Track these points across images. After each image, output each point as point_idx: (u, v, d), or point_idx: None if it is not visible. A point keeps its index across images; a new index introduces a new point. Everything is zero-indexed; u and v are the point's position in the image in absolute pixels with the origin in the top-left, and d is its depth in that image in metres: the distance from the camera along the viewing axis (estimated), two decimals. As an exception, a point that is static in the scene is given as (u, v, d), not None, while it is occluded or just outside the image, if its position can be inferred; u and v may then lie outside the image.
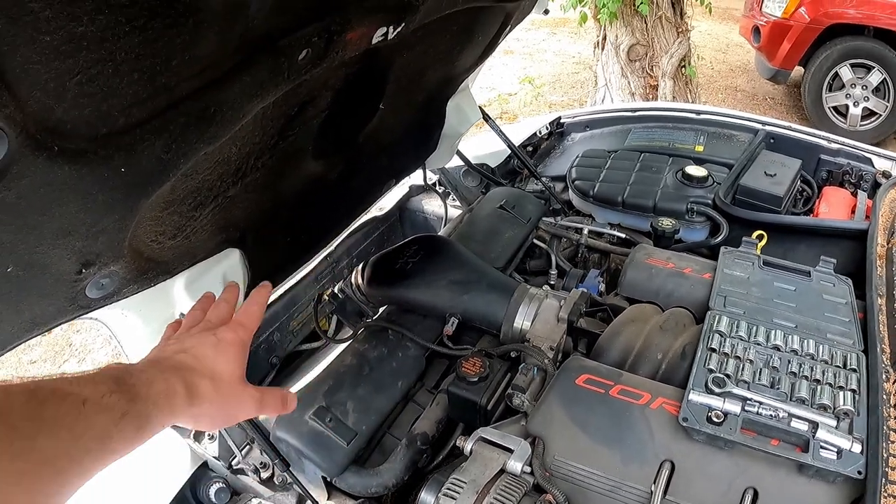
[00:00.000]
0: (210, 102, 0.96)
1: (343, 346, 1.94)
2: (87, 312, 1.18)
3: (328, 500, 1.64)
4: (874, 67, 6.50)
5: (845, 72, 6.64)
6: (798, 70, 7.09)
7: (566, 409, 1.49)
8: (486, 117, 2.41)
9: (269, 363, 2.03)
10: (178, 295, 1.41)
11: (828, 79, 6.72)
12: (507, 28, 1.96)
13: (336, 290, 2.10)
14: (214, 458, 1.69)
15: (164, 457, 1.71)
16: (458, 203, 2.69)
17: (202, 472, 1.70)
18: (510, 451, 1.42)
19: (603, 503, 1.39)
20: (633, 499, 1.36)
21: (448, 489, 1.35)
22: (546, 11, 2.15)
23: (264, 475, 1.67)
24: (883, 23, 6.32)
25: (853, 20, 6.48)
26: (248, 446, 1.66)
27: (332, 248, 2.27)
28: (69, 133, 0.80)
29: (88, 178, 0.87)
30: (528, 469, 1.40)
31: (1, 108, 0.69)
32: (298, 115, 1.33)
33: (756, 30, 7.07)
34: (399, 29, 1.28)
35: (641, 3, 5.46)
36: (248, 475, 1.68)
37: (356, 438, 1.62)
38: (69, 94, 0.75)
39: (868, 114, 6.69)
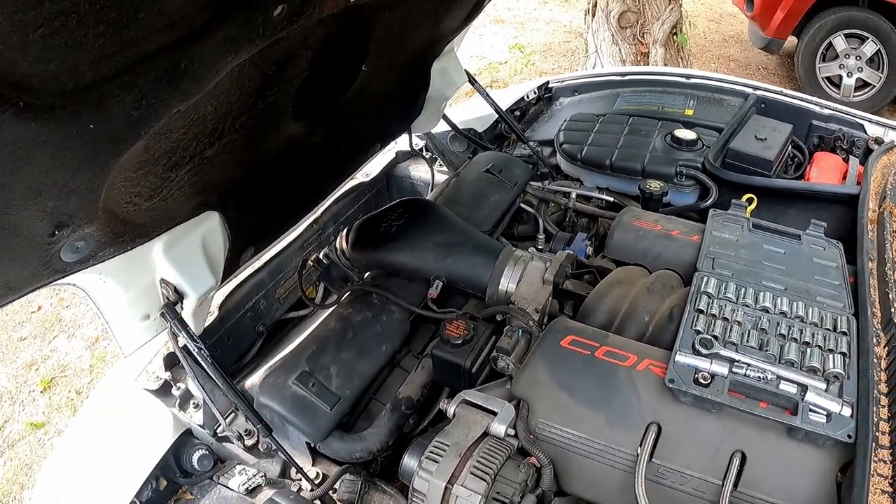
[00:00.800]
0: (181, 58, 0.94)
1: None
2: (62, 277, 1.17)
3: (313, 466, 1.64)
4: (868, 38, 6.46)
5: (839, 42, 6.60)
6: (791, 40, 7.05)
7: (551, 372, 1.49)
8: (473, 80, 2.39)
9: (256, 331, 2.02)
10: (157, 259, 1.39)
11: (821, 49, 6.68)
12: None
13: (321, 255, 2.09)
14: (199, 426, 1.69)
15: (147, 424, 1.71)
16: (445, 168, 2.67)
17: (185, 439, 1.70)
18: (494, 413, 1.42)
19: (588, 466, 1.39)
20: (618, 462, 1.37)
21: (431, 452, 1.36)
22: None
23: (249, 442, 1.67)
24: None
25: (850, -10, 6.44)
26: (232, 414, 1.66)
27: (319, 214, 2.25)
28: (35, 88, 0.78)
29: (57, 135, 0.86)
30: (511, 432, 1.40)
31: None
32: (277, 74, 1.31)
33: (749, -1, 7.03)
34: None
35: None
36: (232, 442, 1.68)
37: (339, 403, 1.62)
38: (33, 48, 0.74)
39: (862, 84, 6.66)
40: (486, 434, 1.40)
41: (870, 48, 6.46)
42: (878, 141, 2.67)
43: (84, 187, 1.00)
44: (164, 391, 1.73)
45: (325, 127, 1.72)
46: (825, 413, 1.32)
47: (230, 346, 1.92)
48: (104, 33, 0.79)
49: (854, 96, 6.63)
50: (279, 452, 1.58)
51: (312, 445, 1.62)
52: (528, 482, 1.34)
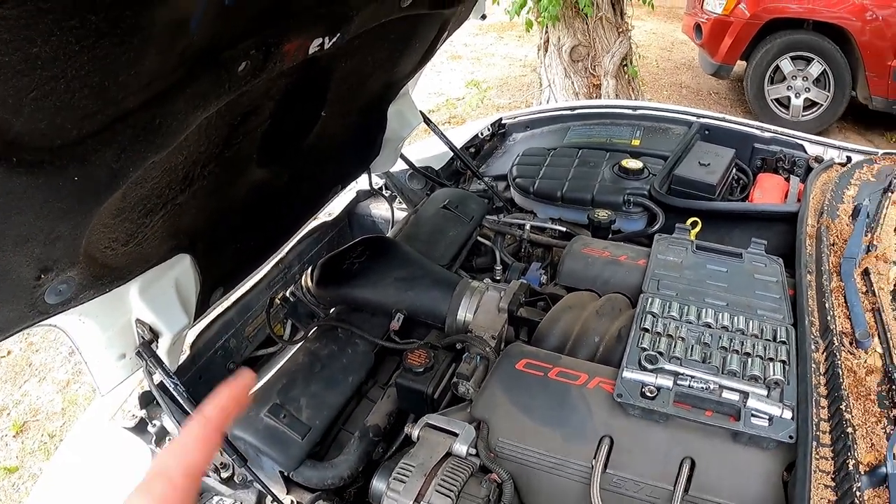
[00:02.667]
0: (156, 114, 1.04)
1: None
2: (46, 318, 1.24)
3: (287, 494, 1.71)
4: (814, 59, 6.78)
5: (786, 64, 6.91)
6: (740, 64, 7.35)
7: (508, 393, 1.60)
8: (428, 121, 2.52)
9: (227, 369, 2.10)
10: (133, 300, 1.48)
11: (769, 72, 6.99)
12: (445, 34, 2.07)
13: (287, 293, 2.19)
14: None
15: (125, 462, 1.78)
16: (404, 206, 2.78)
17: None
18: (456, 434, 1.53)
19: (546, 480, 1.50)
20: (574, 475, 1.47)
21: (398, 474, 1.45)
22: (483, 17, 2.26)
23: (224, 475, 1.73)
24: (821, 16, 6.61)
25: (792, 14, 6.75)
26: None
27: (284, 253, 2.34)
28: (26, 145, 0.86)
29: (45, 187, 0.94)
30: (473, 451, 1.50)
31: None
32: (242, 124, 1.42)
33: (698, 27, 7.34)
34: (334, 40, 1.38)
35: (585, 5, 5.64)
36: (209, 475, 1.74)
37: (310, 433, 1.70)
38: (26, 110, 0.82)
39: (810, 104, 6.98)
40: (448, 454, 1.50)
41: (816, 69, 6.78)
42: (818, 159, 2.85)
43: (68, 234, 1.08)
44: (140, 429, 1.80)
45: (289, 171, 1.82)
46: (767, 417, 1.44)
47: (202, 384, 1.98)
48: (88, 95, 0.88)
49: (803, 116, 6.94)
50: (254, 483, 1.66)
51: (286, 474, 1.69)
52: (491, 497, 1.43)
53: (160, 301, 1.52)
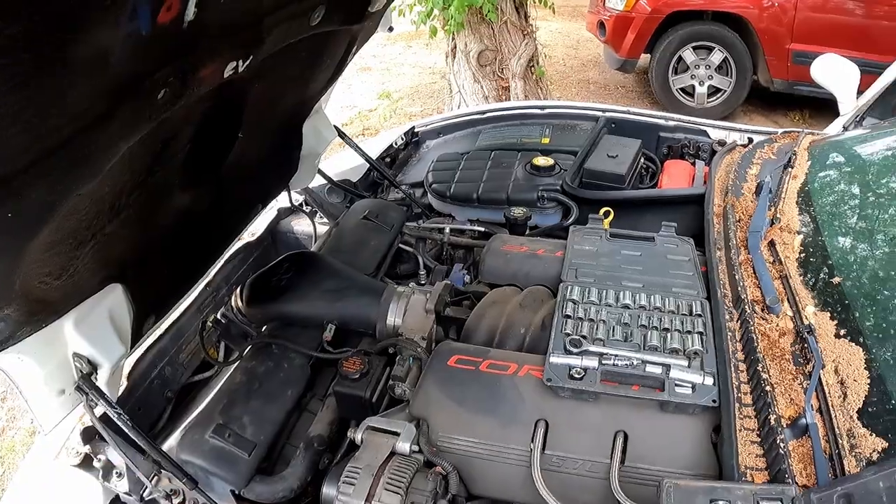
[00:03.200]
0: (84, 146, 1.08)
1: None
2: None
3: None
4: (715, 48, 7.14)
5: (688, 55, 7.24)
6: (644, 58, 7.66)
7: (443, 389, 1.70)
8: (342, 135, 2.60)
9: (165, 397, 2.11)
10: (68, 335, 1.50)
11: (673, 63, 7.30)
12: (354, 49, 2.15)
13: (218, 315, 2.23)
14: (125, 493, 1.77)
15: (76, 498, 1.80)
16: (325, 220, 2.85)
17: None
18: (397, 434, 1.61)
19: (489, 468, 1.59)
20: (515, 459, 1.57)
21: (346, 477, 1.53)
22: (391, 29, 2.34)
23: (176, 501, 1.73)
24: (720, 6, 6.99)
25: (692, 6, 7.10)
26: (155, 476, 1.72)
27: (211, 276, 2.37)
28: None
29: None
30: (416, 448, 1.59)
31: None
32: (163, 150, 1.46)
33: (601, 24, 7.62)
34: (248, 62, 1.44)
35: (489, 11, 5.80)
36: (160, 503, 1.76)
37: (256, 448, 1.75)
38: None
39: (714, 91, 7.32)
40: (393, 453, 1.59)
41: (717, 57, 7.14)
42: (721, 143, 3.05)
43: (4, 271, 1.11)
44: (86, 465, 1.80)
45: (211, 194, 1.87)
46: (690, 385, 1.57)
47: (141, 415, 2.00)
48: (20, 132, 0.92)
49: (708, 103, 7.28)
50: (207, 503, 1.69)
51: (237, 492, 1.73)
52: (438, 489, 1.53)
53: (96, 332, 1.54)
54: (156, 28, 1.09)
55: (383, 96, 8.32)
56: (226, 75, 1.41)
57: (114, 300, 1.59)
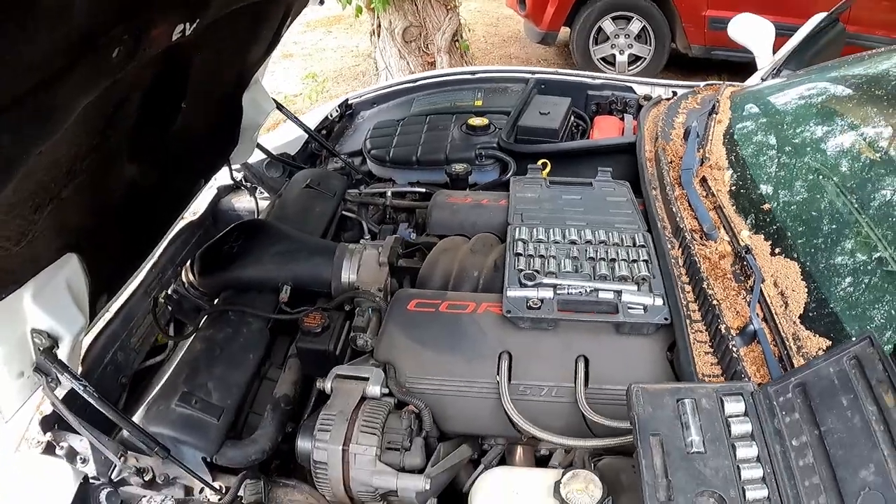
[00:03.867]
0: (45, 100, 1.09)
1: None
2: None
3: (213, 481, 1.74)
4: (633, 17, 7.33)
5: (608, 25, 7.42)
6: (564, 31, 7.79)
7: (405, 332, 1.75)
8: (280, 106, 2.61)
9: (119, 383, 2.09)
10: (27, 308, 1.48)
11: (593, 33, 7.47)
12: (289, 20, 2.17)
13: (170, 291, 2.24)
14: (93, 477, 1.75)
15: (45, 479, 1.76)
16: (266, 195, 2.85)
17: (87, 485, 1.76)
18: (366, 379, 1.66)
19: (460, 404, 1.66)
20: (482, 392, 1.63)
21: (321, 425, 1.57)
22: (321, 2, 2.36)
23: (147, 477, 1.73)
24: None
25: (609, -22, 7.25)
26: (122, 456, 1.70)
27: (156, 258, 2.35)
28: None
29: None
30: (385, 391, 1.64)
31: None
32: (114, 114, 1.47)
33: (521, -1, 7.72)
34: (195, 25, 1.46)
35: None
36: (130, 483, 1.74)
37: (224, 413, 1.76)
38: None
39: (634, 59, 7.53)
40: (364, 398, 1.63)
41: (636, 26, 7.35)
42: (647, 97, 3.17)
43: None
44: (49, 453, 1.78)
45: (156, 168, 1.87)
46: (642, 307, 1.66)
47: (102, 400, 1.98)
48: None
49: (629, 71, 7.49)
50: (177, 479, 1.70)
51: (209, 459, 1.73)
52: (412, 427, 1.58)
53: (55, 304, 1.52)
54: None
55: (309, 77, 8.28)
56: (174, 38, 1.42)
57: (70, 270, 1.58)
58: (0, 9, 0.87)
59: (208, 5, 1.49)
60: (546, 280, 1.73)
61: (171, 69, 1.64)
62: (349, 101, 3.44)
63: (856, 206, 1.70)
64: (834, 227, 1.70)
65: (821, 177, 1.90)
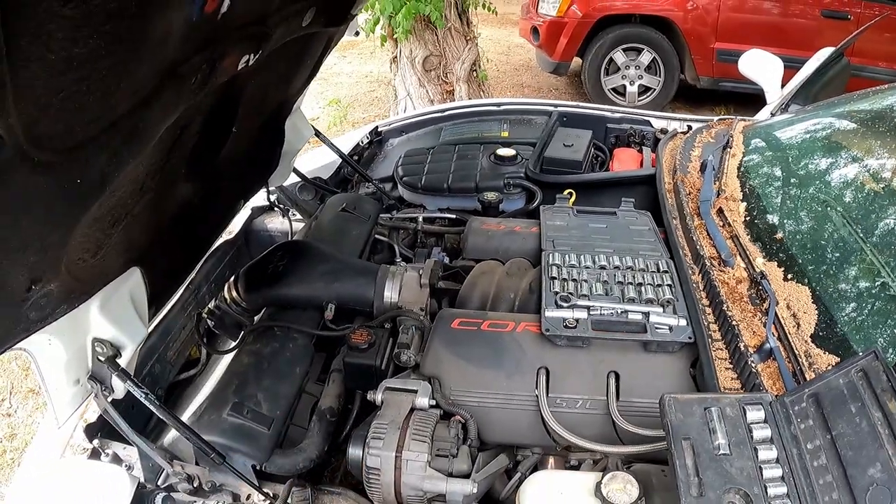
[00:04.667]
0: (138, 121, 1.18)
1: (227, 357, 2.17)
2: (27, 335, 1.28)
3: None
4: (643, 49, 7.52)
5: (619, 56, 7.62)
6: (576, 61, 7.98)
7: (450, 349, 1.87)
8: (318, 133, 2.75)
9: (156, 395, 2.15)
10: (92, 318, 1.53)
11: (604, 64, 7.66)
12: (329, 51, 2.30)
13: (212, 307, 2.34)
14: (141, 484, 1.80)
15: (100, 484, 1.81)
16: (299, 217, 2.97)
17: (141, 490, 1.80)
18: (415, 391, 1.77)
19: (500, 416, 1.78)
20: (522, 405, 1.76)
21: (374, 433, 1.68)
22: (357, 33, 2.51)
23: (195, 484, 1.78)
24: (647, 10, 7.41)
25: (621, 10, 7.49)
26: (172, 462, 1.76)
27: (193, 275, 2.43)
28: (45, 146, 0.94)
29: (52, 188, 1.02)
30: (433, 402, 1.76)
31: (5, 116, 0.81)
32: (180, 137, 1.57)
33: (535, 30, 7.93)
34: (257, 56, 1.57)
35: (436, 18, 6.01)
36: (177, 490, 1.80)
37: (274, 423, 1.83)
38: (52, 110, 0.91)
39: (644, 90, 7.70)
40: (413, 409, 1.74)
41: (646, 57, 7.52)
42: (664, 131, 3.32)
43: (57, 241, 1.16)
44: (95, 458, 1.84)
45: (205, 187, 1.96)
46: (667, 327, 1.79)
47: (134, 413, 1.99)
48: (99, 99, 0.99)
49: (639, 101, 7.67)
50: (224, 483, 1.76)
51: (258, 467, 1.80)
52: (459, 436, 1.70)
53: (119, 315, 1.57)
54: (201, 16, 1.21)
55: (333, 103, 8.47)
56: (239, 67, 1.52)
57: (134, 283, 1.64)
58: (116, 38, 0.94)
59: (270, 37, 1.59)
60: (580, 302, 1.86)
61: (227, 96, 1.74)
62: (379, 129, 3.58)
63: (860, 234, 1.84)
64: (840, 254, 1.84)
65: (828, 208, 2.03)
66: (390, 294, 2.14)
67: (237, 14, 1.38)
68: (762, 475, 1.26)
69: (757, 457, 1.29)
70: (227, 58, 1.44)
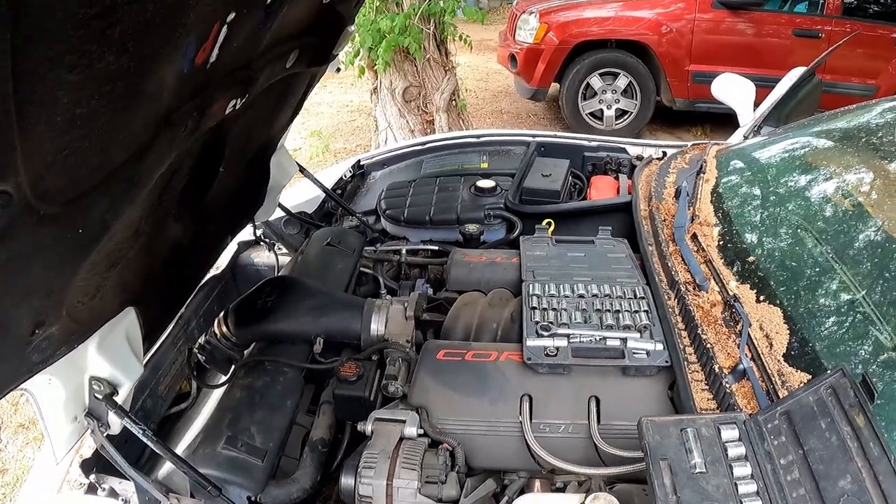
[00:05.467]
0: (135, 169, 1.24)
1: (217, 390, 2.23)
2: (29, 377, 1.33)
3: None
4: (619, 73, 7.67)
5: (595, 81, 7.78)
6: (554, 86, 8.12)
7: (436, 379, 1.94)
8: (302, 169, 2.82)
9: (149, 429, 2.21)
10: (91, 358, 1.58)
11: (581, 89, 7.80)
12: (311, 88, 2.38)
13: (203, 342, 2.38)
14: None
15: None
16: (284, 251, 3.03)
17: None
18: (403, 421, 1.84)
19: (486, 442, 1.84)
20: (507, 431, 1.83)
21: (365, 462, 1.74)
22: (338, 69, 2.58)
23: None
24: (622, 35, 7.60)
25: (596, 36, 7.67)
26: (168, 496, 1.78)
27: (182, 310, 2.45)
28: (50, 199, 0.99)
29: (56, 238, 1.07)
30: (421, 431, 1.82)
31: (14, 175, 0.85)
32: (170, 180, 1.62)
33: (512, 57, 8.08)
34: (244, 100, 1.64)
35: (415, 50, 6.13)
36: None
37: (268, 455, 1.88)
38: (56, 166, 0.95)
39: (621, 113, 7.86)
40: (402, 438, 1.81)
41: (622, 81, 7.69)
42: (639, 158, 3.42)
43: (60, 287, 1.21)
44: (91, 493, 1.87)
45: (193, 226, 2.00)
46: (645, 351, 1.87)
47: (127, 447, 1.99)
48: (99, 152, 1.05)
49: (616, 125, 7.83)
50: None
51: (254, 499, 1.84)
52: (447, 463, 1.76)
53: (116, 354, 1.62)
54: (192, 67, 1.28)
55: (314, 134, 8.56)
56: (227, 112, 1.59)
57: (129, 322, 1.69)
58: (115, 96, 1.00)
59: (256, 81, 1.66)
60: (560, 330, 1.94)
61: (214, 138, 1.80)
62: (361, 162, 3.66)
63: (832, 254, 1.92)
64: (811, 275, 1.92)
65: (799, 229, 2.12)
66: (377, 327, 2.20)
67: (224, 63, 1.44)
68: (738, 491, 1.33)
69: (732, 474, 1.36)
70: (215, 104, 1.50)
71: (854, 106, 3.02)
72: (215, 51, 1.34)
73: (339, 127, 8.96)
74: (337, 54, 2.21)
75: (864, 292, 1.73)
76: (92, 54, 0.89)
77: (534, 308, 2.06)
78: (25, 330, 1.18)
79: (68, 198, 1.04)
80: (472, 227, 2.83)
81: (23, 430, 4.11)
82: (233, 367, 2.28)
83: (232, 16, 1.32)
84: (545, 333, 1.93)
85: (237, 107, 1.63)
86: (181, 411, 2.41)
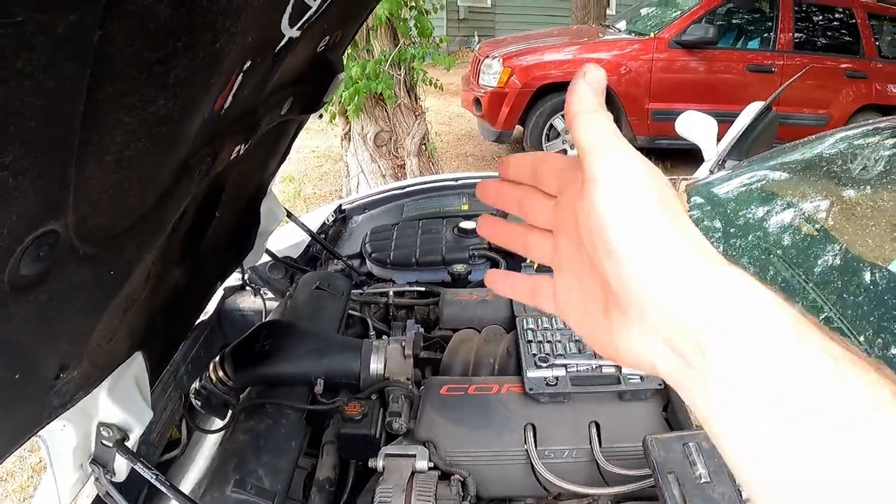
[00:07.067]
0: (159, 213, 1.28)
1: (210, 436, 2.28)
2: (49, 422, 1.34)
3: None
4: (582, 113, 7.84)
5: (559, 122, 7.99)
6: (518, 129, 8.31)
7: (441, 413, 2.02)
8: (290, 214, 2.89)
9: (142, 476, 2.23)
10: (101, 403, 1.61)
11: (545, 130, 7.99)
12: (298, 133, 2.45)
13: (198, 387, 2.41)
14: None
15: None
16: (271, 295, 3.09)
17: None
18: (413, 455, 1.91)
19: (494, 472, 1.93)
20: (513, 460, 1.92)
21: (381, 498, 1.78)
22: (321, 116, 2.68)
23: None
24: None
25: (558, 79, 7.88)
26: None
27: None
28: (89, 239, 1.01)
29: (91, 280, 1.09)
30: (431, 464, 1.89)
31: (63, 215, 0.86)
32: (177, 224, 1.62)
33: (477, 100, 8.29)
34: (247, 146, 1.70)
35: (388, 96, 6.25)
36: None
37: (277, 497, 1.91)
38: (101, 206, 0.99)
39: (584, 154, 8.03)
40: (414, 472, 1.87)
41: (585, 121, 7.82)
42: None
43: (86, 329, 1.24)
44: None
45: (190, 271, 2.03)
46: (639, 377, 1.97)
47: (124, 495, 1.94)
48: (137, 195, 1.09)
49: (579, 164, 7.96)
50: None
51: None
52: (460, 493, 1.83)
53: (127, 399, 1.65)
54: (212, 113, 1.32)
55: (287, 179, 8.64)
56: (232, 157, 1.64)
57: (137, 367, 1.72)
58: (160, 140, 1.05)
59: (258, 127, 1.73)
60: (557, 361, 2.05)
61: (215, 183, 1.83)
62: (343, 207, 3.74)
63: (802, 275, 2.05)
64: (784, 294, 2.02)
65: (769, 254, 2.25)
66: (376, 366, 2.25)
67: (235, 110, 1.49)
68: (741, 497, 1.42)
69: (735, 481, 1.46)
70: (224, 149, 1.56)
71: (813, 136, 3.19)
72: (230, 98, 1.39)
73: (307, 173, 9.03)
74: (327, 101, 2.30)
75: (835, 308, 1.86)
76: (147, 98, 0.93)
77: (530, 341, 2.16)
78: (51, 373, 1.20)
79: (104, 238, 1.07)
80: (459, 268, 2.93)
81: (1, 483, 4.06)
82: (230, 411, 2.31)
83: (248, 63, 1.38)
84: (544, 365, 2.03)
85: (241, 152, 1.69)
86: (172, 458, 2.43)
